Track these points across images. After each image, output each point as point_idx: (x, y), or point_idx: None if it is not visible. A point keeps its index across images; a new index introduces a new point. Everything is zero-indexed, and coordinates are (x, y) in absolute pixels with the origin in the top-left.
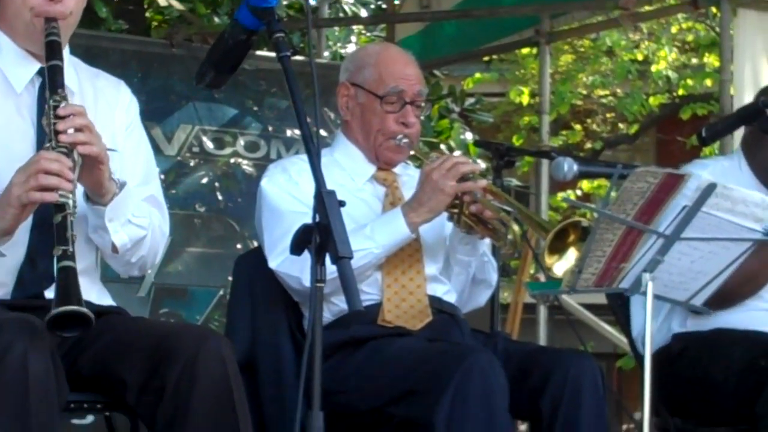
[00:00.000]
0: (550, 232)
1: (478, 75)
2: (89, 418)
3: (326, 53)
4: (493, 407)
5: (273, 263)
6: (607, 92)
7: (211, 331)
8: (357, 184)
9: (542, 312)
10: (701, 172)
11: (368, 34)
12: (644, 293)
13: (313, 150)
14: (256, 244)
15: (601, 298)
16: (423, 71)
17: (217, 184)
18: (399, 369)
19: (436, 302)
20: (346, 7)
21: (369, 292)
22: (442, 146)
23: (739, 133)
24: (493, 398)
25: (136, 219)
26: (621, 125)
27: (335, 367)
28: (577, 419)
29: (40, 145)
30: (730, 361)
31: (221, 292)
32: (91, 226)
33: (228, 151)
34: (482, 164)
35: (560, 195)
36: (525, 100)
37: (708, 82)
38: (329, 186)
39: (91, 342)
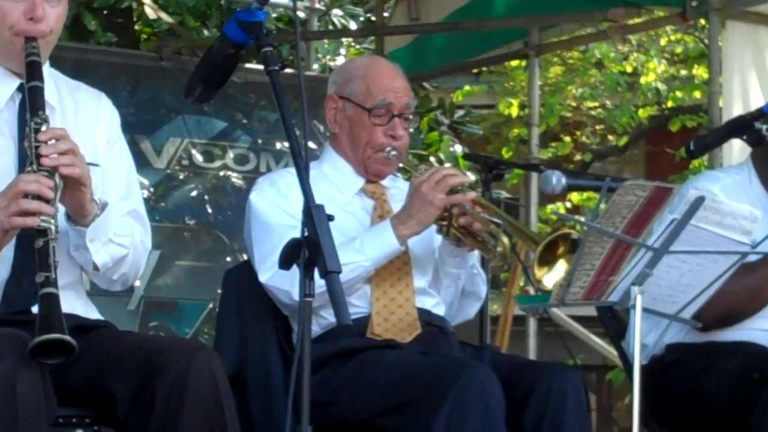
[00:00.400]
0: (540, 244)
1: (467, 87)
2: None
3: (315, 66)
4: (490, 420)
5: (263, 277)
6: (597, 104)
7: (201, 345)
8: (345, 197)
9: (532, 324)
10: (712, 187)
11: (357, 46)
12: (633, 307)
13: (301, 164)
14: (245, 257)
15: (590, 311)
16: (412, 84)
17: (206, 197)
18: (391, 381)
19: (425, 315)
20: (335, 20)
21: (358, 305)
22: (432, 159)
23: (727, 145)
24: (491, 411)
25: (117, 238)
26: (610, 137)
27: (325, 379)
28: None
29: (20, 162)
30: (723, 373)
31: (211, 305)
32: (72, 244)
33: (217, 164)
34: (471, 177)
35: (549, 207)
36: (514, 112)
37: (697, 94)
38: (318, 199)
39: (80, 356)
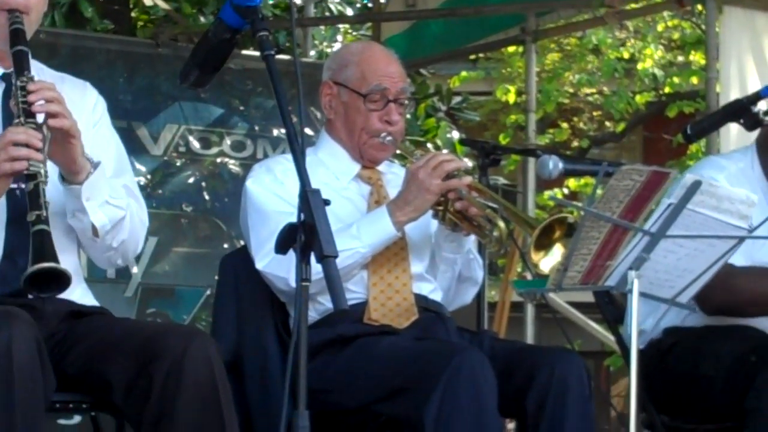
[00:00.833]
0: (536, 228)
1: (464, 74)
2: (76, 419)
3: (312, 52)
4: (482, 405)
5: (260, 264)
6: (594, 90)
7: (197, 331)
8: (342, 183)
9: (530, 310)
10: (717, 175)
11: (354, 33)
12: (630, 291)
13: (297, 149)
14: (242, 243)
15: (588, 297)
16: (409, 70)
17: (203, 183)
18: (387, 367)
19: (422, 300)
20: (332, 6)
21: (355, 290)
22: (429, 145)
23: (724, 130)
24: (483, 396)
25: (113, 200)
26: (608, 123)
27: (322, 365)
28: (562, 417)
29: None
30: (720, 356)
31: (208, 292)
32: (69, 211)
33: (214, 150)
34: (469, 163)
35: (547, 193)
36: (511, 98)
37: (694, 80)
38: (314, 185)
39: (76, 342)
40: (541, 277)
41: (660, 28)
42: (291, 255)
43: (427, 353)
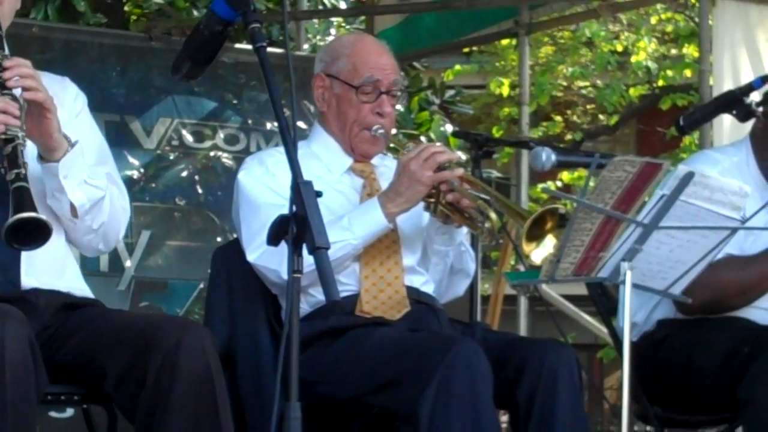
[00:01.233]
0: (528, 219)
1: (458, 67)
2: (68, 412)
3: (306, 45)
4: (478, 397)
5: (251, 257)
6: (587, 83)
7: (192, 322)
8: (334, 176)
9: (523, 303)
10: (711, 170)
11: (348, 26)
12: (623, 282)
13: (289, 140)
14: (236, 236)
15: (582, 289)
16: (402, 63)
17: (196, 177)
18: (380, 359)
19: (413, 293)
20: None
21: (347, 283)
22: (423, 138)
23: (717, 122)
24: (478, 388)
25: (92, 180)
26: (601, 116)
27: (314, 357)
28: (553, 409)
29: None
30: (713, 348)
31: (201, 286)
32: (49, 191)
33: (207, 144)
34: (461, 155)
35: (540, 186)
36: (505, 91)
37: (687, 73)
38: (306, 177)
39: (70, 334)
40: (533, 269)
41: (653, 20)
42: (283, 247)
43: (421, 344)
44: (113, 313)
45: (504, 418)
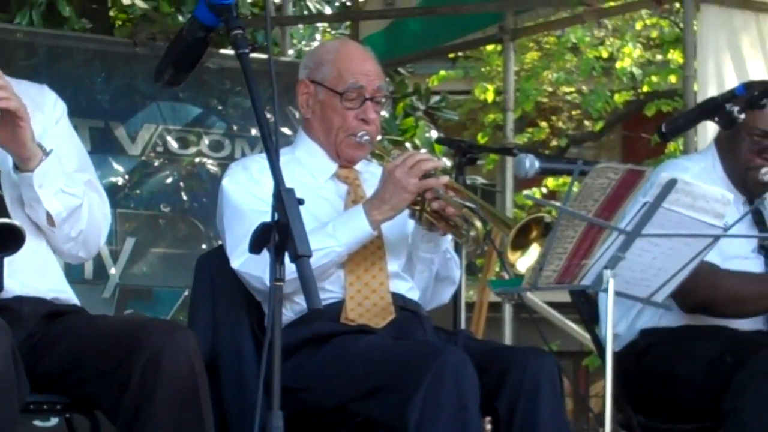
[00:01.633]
0: (513, 228)
1: (443, 72)
2: (53, 421)
3: (291, 51)
4: (465, 405)
5: (235, 263)
6: (572, 89)
7: (177, 325)
8: (319, 182)
9: (507, 311)
10: (683, 175)
11: (333, 32)
12: (606, 290)
13: (271, 147)
14: (220, 243)
15: (567, 296)
16: (387, 69)
17: (181, 184)
18: (365, 366)
19: (399, 299)
20: (310, 5)
21: (331, 290)
22: (408, 145)
23: (702, 128)
24: (465, 396)
25: (68, 188)
26: (586, 122)
27: (298, 364)
28: (534, 416)
29: None
30: (696, 357)
31: (186, 293)
32: (26, 201)
33: (192, 150)
34: (446, 161)
35: (525, 193)
36: (490, 97)
37: (672, 79)
38: (291, 184)
39: (54, 342)
40: (517, 276)
41: (638, 26)
42: (267, 254)
43: (408, 353)
44: (97, 319)
45: (489, 427)
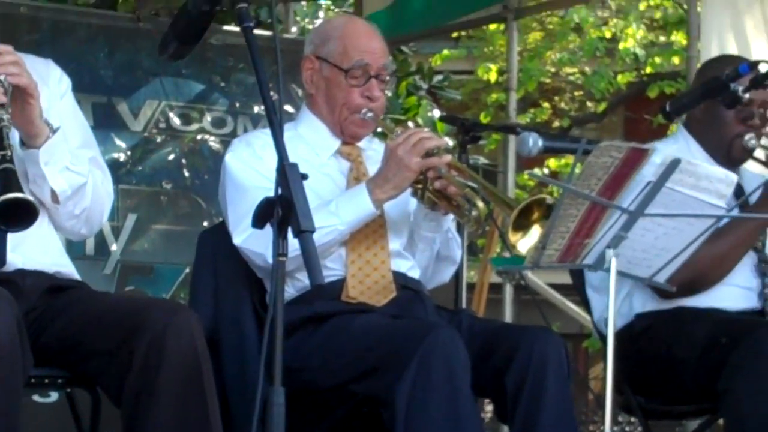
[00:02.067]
0: (515, 208)
1: (446, 52)
2: (53, 397)
3: (294, 28)
4: (455, 383)
5: (237, 240)
6: (575, 70)
7: (180, 305)
8: (321, 159)
9: (508, 291)
10: (654, 159)
11: (336, 9)
12: (608, 270)
13: (275, 122)
14: (222, 220)
15: (567, 278)
16: (390, 47)
17: (183, 160)
18: (361, 346)
19: (400, 278)
20: None
21: (333, 267)
22: (410, 123)
23: None
24: (456, 374)
25: (74, 167)
26: (589, 103)
27: (298, 344)
28: (541, 397)
29: None
30: (692, 339)
31: (187, 270)
32: (31, 177)
33: (195, 127)
34: (449, 141)
35: (527, 172)
36: (493, 77)
37: (676, 60)
38: (294, 160)
39: (56, 316)
40: (518, 257)
41: (642, 7)
42: (269, 231)
43: (401, 331)
44: (100, 295)
45: (488, 407)
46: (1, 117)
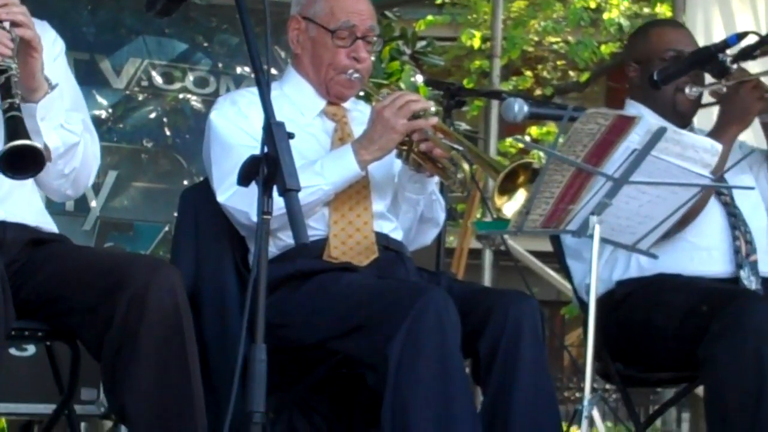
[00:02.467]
0: (501, 172)
1: (430, 18)
2: (30, 350)
3: None
4: (446, 345)
5: (221, 197)
6: (559, 39)
7: (162, 262)
8: (306, 119)
9: (488, 257)
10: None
11: None
12: (591, 236)
13: (263, 81)
14: (203, 179)
15: (547, 245)
16: (375, 12)
17: (165, 119)
18: (348, 304)
19: (382, 239)
20: None
21: (316, 227)
22: (393, 87)
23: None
24: (447, 337)
25: (68, 125)
26: (572, 73)
27: (280, 300)
28: (516, 360)
29: None
30: (672, 307)
31: (166, 228)
32: None
33: (177, 86)
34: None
35: (509, 140)
36: (476, 43)
37: None
38: (278, 119)
39: (37, 269)
40: (502, 219)
41: None
42: (253, 189)
43: (391, 292)
44: (82, 250)
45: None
46: (9, 66)
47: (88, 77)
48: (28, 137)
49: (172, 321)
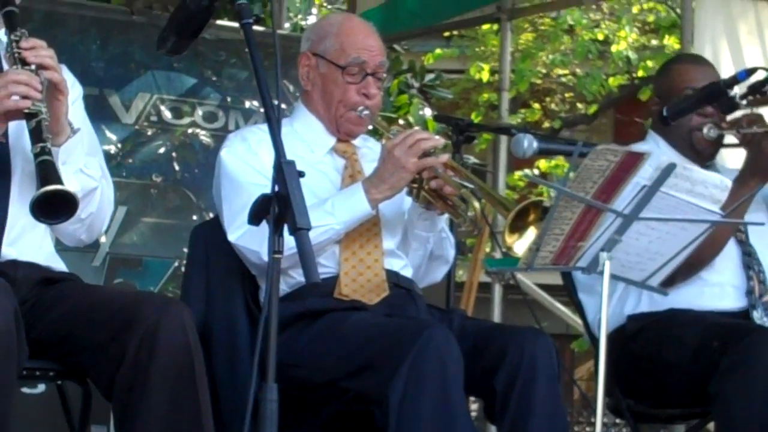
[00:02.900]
0: (511, 210)
1: (438, 51)
2: (40, 388)
3: (287, 24)
4: (448, 383)
5: (232, 236)
6: (567, 71)
7: (173, 300)
8: (317, 156)
9: (497, 291)
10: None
11: (329, 6)
12: (601, 273)
13: (273, 118)
14: (212, 215)
15: (556, 279)
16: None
17: (174, 154)
18: (354, 343)
19: (393, 277)
20: None
21: (326, 265)
22: (401, 122)
23: None
24: (449, 374)
25: (87, 170)
26: (579, 105)
27: (290, 340)
28: (531, 398)
29: None
30: (683, 342)
31: (176, 264)
32: None
33: (186, 121)
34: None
35: (518, 174)
36: (485, 76)
37: None
38: (289, 157)
39: (48, 308)
40: (510, 256)
41: (635, 10)
42: (264, 228)
43: (394, 330)
44: (92, 288)
45: (474, 406)
46: (39, 110)
47: (98, 112)
48: (60, 182)
49: (183, 359)
